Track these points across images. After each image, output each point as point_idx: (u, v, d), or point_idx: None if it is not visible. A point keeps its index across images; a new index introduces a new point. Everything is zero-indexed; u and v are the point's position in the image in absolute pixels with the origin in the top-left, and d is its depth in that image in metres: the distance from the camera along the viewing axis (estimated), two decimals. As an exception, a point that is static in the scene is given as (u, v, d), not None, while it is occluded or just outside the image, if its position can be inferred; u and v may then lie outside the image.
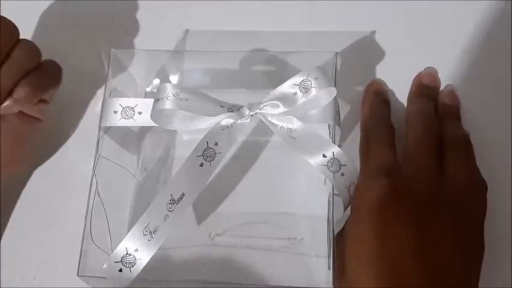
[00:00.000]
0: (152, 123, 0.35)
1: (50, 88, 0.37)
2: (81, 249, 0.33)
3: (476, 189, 0.34)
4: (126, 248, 0.31)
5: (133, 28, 0.45)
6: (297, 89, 0.33)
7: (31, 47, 0.36)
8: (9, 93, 0.34)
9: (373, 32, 0.43)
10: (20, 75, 0.34)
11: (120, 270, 0.31)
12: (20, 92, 0.34)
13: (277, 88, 0.34)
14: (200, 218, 0.38)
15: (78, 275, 0.33)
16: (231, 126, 0.34)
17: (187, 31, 0.44)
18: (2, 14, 0.35)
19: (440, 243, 0.31)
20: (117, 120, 0.36)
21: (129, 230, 0.32)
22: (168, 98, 0.33)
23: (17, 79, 0.34)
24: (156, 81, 0.42)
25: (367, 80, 0.41)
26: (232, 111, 0.34)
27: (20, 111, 0.36)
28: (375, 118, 0.38)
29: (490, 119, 0.39)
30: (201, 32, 0.44)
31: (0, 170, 0.36)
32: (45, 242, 0.39)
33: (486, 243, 0.33)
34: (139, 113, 0.36)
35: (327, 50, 0.37)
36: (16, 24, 0.35)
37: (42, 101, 0.37)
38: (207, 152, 0.33)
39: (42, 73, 0.36)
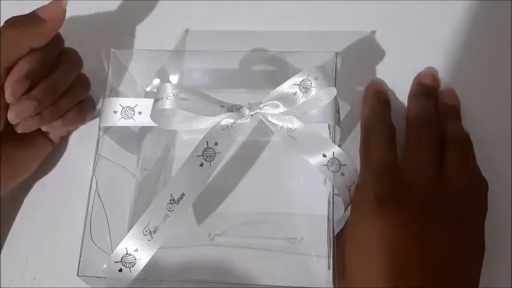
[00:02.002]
0: (152, 123, 0.35)
1: (86, 119, 0.41)
2: (81, 249, 0.33)
3: (476, 188, 0.34)
4: (126, 248, 0.31)
5: (134, 28, 0.45)
6: (297, 89, 0.33)
7: (87, 81, 0.40)
8: (61, 116, 0.38)
9: (373, 32, 0.43)
10: (74, 103, 0.39)
11: (120, 270, 0.31)
12: (70, 116, 0.38)
13: (277, 88, 0.34)
14: (200, 218, 0.38)
15: (78, 275, 0.33)
16: (231, 126, 0.34)
17: (187, 31, 0.44)
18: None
19: (440, 243, 0.31)
20: (117, 120, 0.36)
21: (129, 230, 0.32)
22: (168, 98, 0.33)
23: (71, 106, 0.38)
24: (156, 81, 0.42)
25: (367, 80, 0.41)
26: (232, 111, 0.34)
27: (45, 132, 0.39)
28: (375, 118, 0.38)
29: (490, 118, 0.39)
30: (201, 32, 0.44)
31: (12, 181, 0.38)
32: (45, 242, 0.39)
33: (486, 243, 0.33)
34: (139, 113, 0.36)
35: (327, 50, 0.37)
36: None
37: None
38: (207, 152, 0.33)
39: (89, 105, 0.40)
